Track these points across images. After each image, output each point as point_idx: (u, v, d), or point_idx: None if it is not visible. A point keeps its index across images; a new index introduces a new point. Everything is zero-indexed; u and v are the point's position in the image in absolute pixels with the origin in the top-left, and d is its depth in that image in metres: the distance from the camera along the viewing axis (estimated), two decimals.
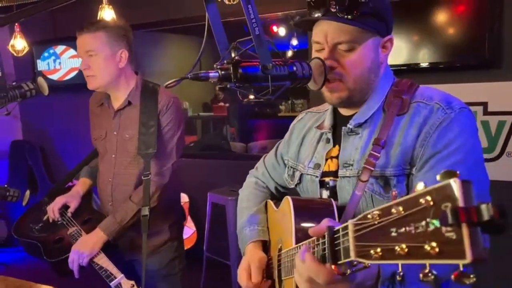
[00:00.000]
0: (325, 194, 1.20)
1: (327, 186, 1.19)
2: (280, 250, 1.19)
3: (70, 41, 4.46)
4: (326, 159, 1.21)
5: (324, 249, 0.80)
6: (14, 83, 1.66)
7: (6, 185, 2.00)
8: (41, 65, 4.70)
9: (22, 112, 5.08)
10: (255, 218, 1.36)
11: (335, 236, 0.76)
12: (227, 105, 6.61)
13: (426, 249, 0.52)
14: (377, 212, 0.62)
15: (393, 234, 0.58)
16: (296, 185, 1.32)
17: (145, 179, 1.79)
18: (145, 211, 1.76)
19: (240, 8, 1.00)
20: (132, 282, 1.63)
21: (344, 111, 1.22)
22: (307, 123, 1.35)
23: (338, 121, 1.22)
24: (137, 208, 1.81)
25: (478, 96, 2.93)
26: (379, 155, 1.06)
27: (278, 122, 6.86)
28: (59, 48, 4.58)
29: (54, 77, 4.62)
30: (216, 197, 3.56)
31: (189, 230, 4.07)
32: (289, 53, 6.36)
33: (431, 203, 0.53)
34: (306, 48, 3.56)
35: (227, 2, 2.27)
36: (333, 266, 0.76)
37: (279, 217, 1.25)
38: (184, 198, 4.08)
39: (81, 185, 2.11)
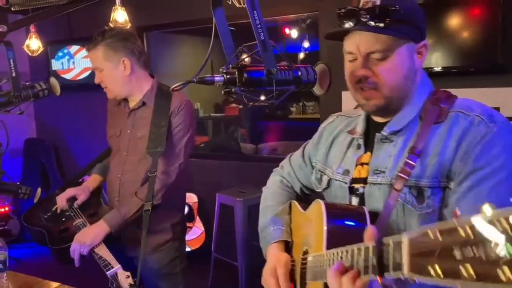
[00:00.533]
0: (355, 200, 1.18)
1: (357, 192, 1.17)
2: (305, 253, 1.18)
3: (84, 41, 4.53)
4: (356, 165, 1.19)
5: (366, 260, 0.79)
6: (27, 83, 1.71)
7: (19, 182, 2.05)
8: (55, 65, 4.77)
9: (36, 111, 5.17)
10: (280, 218, 1.34)
11: (382, 247, 0.75)
12: (240, 106, 6.64)
13: (499, 274, 0.51)
14: (437, 229, 0.60)
15: (457, 255, 0.57)
16: (323, 190, 1.29)
17: (151, 175, 1.83)
18: (148, 206, 1.79)
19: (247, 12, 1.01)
20: (128, 273, 1.66)
21: (378, 118, 1.19)
22: (337, 127, 1.32)
23: (371, 128, 1.20)
24: (142, 204, 1.85)
25: (490, 101, 2.88)
26: (414, 164, 1.03)
27: (289, 124, 6.86)
28: (73, 48, 4.65)
29: (68, 76, 4.70)
30: (224, 198, 3.58)
31: (198, 230, 4.09)
32: (301, 55, 6.37)
33: (508, 228, 0.52)
34: (318, 50, 3.56)
35: (237, 5, 2.30)
36: (378, 278, 0.75)
37: (306, 219, 1.23)
38: (193, 198, 4.11)
39: (92, 180, 2.17)
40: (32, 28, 3.31)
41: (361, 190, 1.15)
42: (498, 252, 0.52)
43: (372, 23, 1.02)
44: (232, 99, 6.71)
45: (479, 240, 0.55)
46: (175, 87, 1.00)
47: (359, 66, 1.07)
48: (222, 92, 1.01)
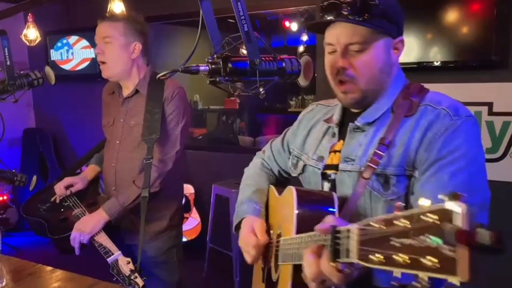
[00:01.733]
0: (326, 186, 1.23)
1: (329, 178, 1.22)
2: (279, 236, 1.23)
3: (83, 32, 4.55)
4: (330, 152, 1.24)
5: (326, 246, 0.84)
6: (22, 72, 1.73)
7: (14, 170, 2.08)
8: (54, 55, 4.79)
9: (35, 101, 5.20)
10: (257, 196, 1.39)
11: (337, 235, 0.80)
12: (238, 101, 6.66)
13: (427, 263, 0.57)
14: (382, 221, 0.66)
15: (396, 244, 0.62)
16: (299, 175, 1.35)
17: (147, 163, 1.85)
18: (145, 193, 1.82)
19: (252, 3, 1.04)
20: (128, 259, 1.69)
21: (354, 109, 1.24)
22: (316, 115, 1.37)
23: (347, 117, 1.25)
24: (140, 192, 1.87)
25: (483, 96, 2.93)
26: (383, 154, 1.08)
27: (288, 117, 6.87)
28: (72, 39, 4.67)
29: (67, 67, 4.71)
30: (220, 189, 3.61)
31: (194, 221, 4.14)
32: (301, 48, 6.38)
33: (436, 221, 0.57)
34: (315, 44, 3.59)
35: None
36: (332, 263, 0.81)
37: (281, 204, 1.28)
38: (190, 189, 4.15)
39: (89, 171, 2.19)
40: (29, 18, 3.33)
41: (332, 176, 1.21)
42: (427, 243, 0.58)
43: (352, 16, 1.06)
44: (236, 93, 6.78)
45: (414, 232, 0.60)
46: (162, 75, 1.02)
47: (338, 58, 1.11)
48: (208, 82, 1.04)
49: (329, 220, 0.89)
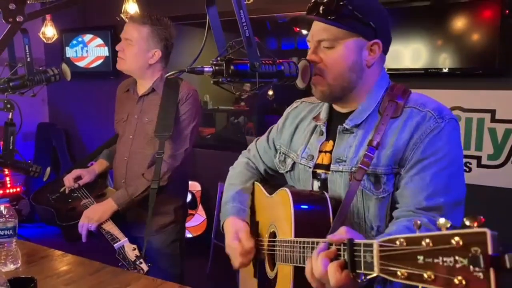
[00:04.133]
0: (316, 184, 1.30)
1: (319, 177, 1.29)
2: (273, 235, 1.29)
3: (98, 31, 4.68)
4: (320, 152, 1.30)
5: (340, 256, 0.91)
6: (41, 68, 1.83)
7: (29, 161, 2.18)
8: (69, 52, 4.92)
9: (50, 97, 5.34)
10: (240, 196, 1.45)
11: (355, 248, 0.86)
12: (243, 103, 6.73)
13: (454, 281, 0.63)
14: (405, 239, 0.72)
15: (420, 261, 0.68)
16: (287, 172, 1.40)
17: (158, 157, 1.95)
18: (155, 185, 1.92)
19: (263, 6, 1.14)
20: (134, 246, 1.79)
21: (338, 108, 1.31)
22: (301, 112, 1.43)
23: (334, 117, 1.32)
24: (148, 185, 1.97)
25: (487, 103, 2.98)
26: (373, 155, 1.16)
27: None
28: (87, 37, 4.79)
29: (81, 64, 4.84)
30: None
31: (200, 217, 4.23)
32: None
33: (461, 243, 0.63)
34: None
35: (246, 2, 2.39)
36: (351, 274, 0.87)
37: (273, 203, 1.34)
38: (197, 186, 4.24)
39: (98, 164, 2.29)
40: (47, 17, 3.45)
41: (323, 176, 1.27)
42: (454, 264, 0.64)
43: (325, 15, 1.16)
44: (243, 96, 6.86)
45: (439, 252, 0.66)
46: (170, 74, 1.11)
47: (311, 52, 1.21)
48: (211, 82, 1.12)
49: (342, 232, 0.94)
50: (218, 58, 1.10)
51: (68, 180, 2.18)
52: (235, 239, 1.33)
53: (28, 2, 0.92)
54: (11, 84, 1.74)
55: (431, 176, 1.11)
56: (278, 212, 1.27)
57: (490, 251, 0.61)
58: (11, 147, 2.05)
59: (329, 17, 1.16)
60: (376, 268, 0.78)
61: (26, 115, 2.01)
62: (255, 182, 1.50)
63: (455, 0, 2.95)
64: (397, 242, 0.73)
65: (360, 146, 1.21)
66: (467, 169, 3.07)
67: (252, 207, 1.46)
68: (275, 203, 1.31)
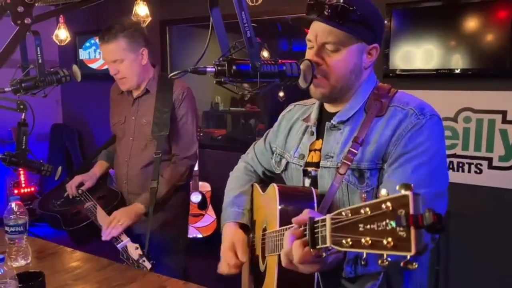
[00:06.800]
0: (307, 182, 1.33)
1: (309, 175, 1.32)
2: (264, 230, 1.33)
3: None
4: (310, 151, 1.34)
5: (305, 236, 0.95)
6: (52, 69, 1.88)
7: (41, 160, 2.23)
8: (82, 54, 5.00)
9: (63, 98, 5.43)
10: (239, 200, 1.48)
11: (315, 225, 0.90)
12: (258, 110, 6.77)
13: (384, 243, 0.68)
14: (350, 210, 0.77)
15: (361, 229, 0.73)
16: (282, 172, 1.45)
17: (156, 157, 1.99)
18: (154, 184, 1.95)
19: (273, 8, 1.16)
20: (137, 245, 1.83)
21: (329, 108, 1.35)
22: (294, 115, 1.47)
23: (323, 116, 1.35)
24: (170, 186, 2.04)
25: (498, 104, 2.96)
26: (357, 152, 1.19)
27: None
28: None
29: (94, 66, 4.92)
30: None
31: (210, 218, 4.26)
32: None
33: (390, 208, 0.68)
34: None
35: (250, 3, 2.42)
36: (312, 250, 0.91)
37: (265, 200, 1.38)
38: (207, 187, 4.27)
39: (98, 167, 2.33)
40: (61, 19, 3.52)
41: (313, 173, 1.31)
42: (385, 227, 0.69)
43: (332, 17, 1.16)
44: (246, 97, 6.90)
45: (374, 218, 0.71)
46: (173, 75, 1.13)
47: (314, 54, 1.22)
48: (214, 82, 1.15)
49: (305, 213, 0.99)
50: (221, 59, 1.12)
51: (71, 188, 2.22)
52: (231, 250, 1.36)
53: (36, 4, 0.95)
54: (23, 85, 1.78)
55: (412, 169, 1.14)
56: (269, 207, 1.31)
57: (411, 211, 0.65)
58: (23, 147, 2.10)
59: (337, 21, 1.16)
60: (328, 240, 0.83)
61: (40, 117, 2.05)
62: (254, 184, 1.53)
63: (466, 0, 2.93)
64: (343, 214, 0.78)
65: (346, 142, 1.24)
66: (478, 171, 3.04)
67: (252, 207, 1.49)
68: (267, 199, 1.36)
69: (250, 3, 2.42)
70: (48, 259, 1.66)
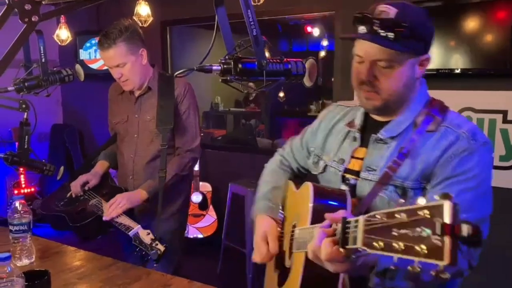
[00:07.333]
0: (344, 189, 1.30)
1: (347, 182, 1.30)
2: (294, 227, 1.32)
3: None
4: (352, 158, 1.31)
5: (335, 235, 0.94)
6: (55, 69, 1.88)
7: (43, 160, 2.23)
8: (83, 55, 5.00)
9: (64, 98, 5.43)
10: (273, 194, 1.49)
11: (347, 225, 0.90)
12: (258, 110, 6.78)
13: (418, 249, 0.68)
14: (385, 214, 0.77)
15: (394, 233, 0.73)
16: (319, 173, 1.42)
17: (162, 148, 2.02)
18: (162, 174, 1.98)
19: (273, 8, 1.16)
20: (148, 231, 1.86)
21: (376, 116, 1.31)
22: (335, 116, 1.44)
23: (368, 124, 1.32)
24: (172, 174, 2.09)
25: (499, 104, 2.96)
26: (401, 163, 1.16)
27: (307, 121, 6.87)
28: None
29: (94, 66, 4.91)
30: (236, 187, 3.72)
31: (210, 218, 4.25)
32: (322, 53, 6.46)
33: (427, 215, 0.68)
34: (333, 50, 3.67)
35: (252, 3, 2.42)
36: (341, 249, 0.91)
37: (298, 198, 1.38)
38: (208, 187, 4.27)
39: (100, 166, 2.36)
40: (62, 19, 3.52)
41: (352, 182, 1.29)
42: (420, 233, 0.68)
43: (382, 32, 1.11)
44: (252, 97, 6.92)
45: (410, 224, 0.71)
46: (179, 73, 1.14)
47: (365, 71, 1.18)
48: (220, 80, 1.15)
49: (340, 212, 0.98)
50: (227, 57, 1.12)
51: (76, 187, 2.24)
52: (264, 240, 1.37)
53: (43, 2, 0.95)
54: (26, 84, 1.79)
55: (457, 193, 1.10)
56: (301, 205, 1.30)
57: (448, 220, 0.65)
58: (26, 146, 2.10)
59: (388, 37, 1.11)
60: (359, 241, 0.82)
61: (40, 117, 2.05)
62: (289, 180, 1.54)
63: (467, 0, 2.94)
64: (378, 216, 0.78)
65: (392, 156, 1.21)
66: None
67: (284, 203, 1.50)
68: (299, 197, 1.36)
69: (253, 3, 2.42)
70: (51, 258, 1.66)
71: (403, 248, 0.70)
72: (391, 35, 1.11)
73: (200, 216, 4.23)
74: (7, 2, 0.92)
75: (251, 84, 1.18)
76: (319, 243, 0.96)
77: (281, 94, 6.57)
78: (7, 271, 1.06)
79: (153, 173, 2.13)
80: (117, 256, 1.76)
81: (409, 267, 0.70)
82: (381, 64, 1.16)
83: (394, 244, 0.72)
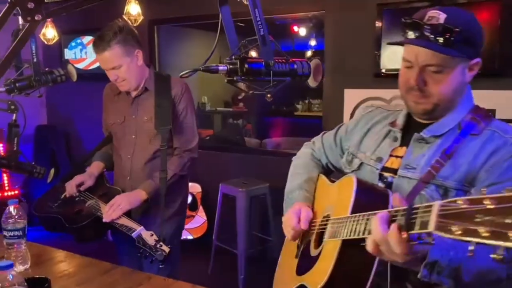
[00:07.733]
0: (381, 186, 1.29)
1: (385, 180, 1.28)
2: (326, 217, 1.30)
3: (97, 32, 4.67)
4: (390, 156, 1.30)
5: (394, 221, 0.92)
6: (47, 69, 1.84)
7: (33, 163, 2.18)
8: (68, 54, 4.91)
9: (48, 99, 5.32)
10: (308, 184, 1.48)
11: (413, 211, 0.87)
12: (245, 110, 6.75)
13: (510, 235, 0.66)
14: (467, 200, 0.74)
15: (478, 219, 0.70)
16: (353, 171, 1.40)
17: (162, 149, 2.02)
18: (164, 174, 1.99)
19: (266, 8, 1.14)
20: (151, 232, 1.84)
21: (418, 118, 1.30)
22: (375, 117, 1.44)
23: (411, 124, 1.31)
24: (172, 174, 2.09)
25: (486, 103, 2.98)
26: (444, 163, 1.15)
27: (294, 120, 6.96)
28: (86, 39, 4.78)
29: (80, 66, 4.83)
30: (227, 188, 3.70)
31: (200, 219, 4.22)
32: (309, 53, 6.48)
33: None
34: (323, 49, 3.66)
35: (245, 2, 2.40)
36: (403, 234, 0.88)
37: (332, 191, 1.37)
38: (197, 188, 4.24)
39: (95, 167, 2.32)
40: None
41: (389, 180, 1.27)
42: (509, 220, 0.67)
43: (433, 38, 1.10)
44: (241, 96, 6.91)
45: (500, 211, 0.69)
46: (184, 73, 1.12)
47: (414, 76, 1.17)
48: (225, 81, 1.13)
49: (397, 196, 0.98)
50: (233, 57, 1.10)
51: (71, 187, 2.20)
52: (296, 214, 1.35)
53: (45, 0, 0.92)
54: (17, 84, 1.74)
55: None
56: (338, 196, 1.29)
57: None
58: (15, 148, 2.05)
59: (440, 43, 1.11)
60: (432, 225, 0.79)
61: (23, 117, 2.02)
62: (320, 175, 1.53)
63: (454, 1, 2.97)
64: (459, 201, 0.75)
65: (433, 156, 1.20)
66: None
67: (314, 196, 1.49)
68: (337, 188, 1.34)
69: (246, 3, 2.41)
70: (47, 264, 1.61)
71: (488, 234, 0.68)
72: (441, 40, 1.10)
73: (190, 217, 4.19)
74: (8, 0, 0.89)
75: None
76: (383, 231, 0.93)
77: (269, 94, 6.55)
78: (9, 279, 1.03)
79: (151, 174, 2.12)
80: (111, 259, 1.73)
81: (492, 255, 0.68)
82: (432, 69, 1.15)
83: (479, 230, 0.69)
